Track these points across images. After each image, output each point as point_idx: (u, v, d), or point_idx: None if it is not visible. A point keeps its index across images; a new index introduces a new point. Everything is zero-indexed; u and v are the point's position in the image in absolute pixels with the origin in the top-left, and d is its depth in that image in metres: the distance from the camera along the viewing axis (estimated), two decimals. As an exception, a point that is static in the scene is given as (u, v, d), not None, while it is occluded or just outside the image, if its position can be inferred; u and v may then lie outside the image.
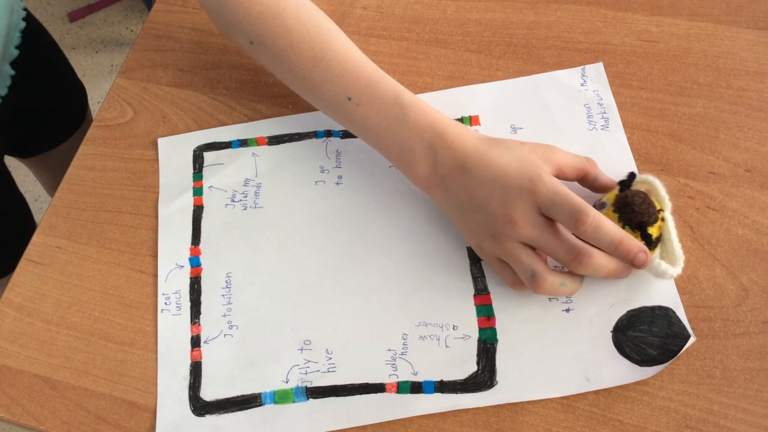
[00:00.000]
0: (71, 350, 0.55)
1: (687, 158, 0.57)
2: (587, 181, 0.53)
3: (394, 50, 0.66)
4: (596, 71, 0.62)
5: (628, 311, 0.51)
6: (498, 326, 0.52)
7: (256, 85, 0.66)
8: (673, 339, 0.50)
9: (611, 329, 0.51)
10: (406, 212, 0.58)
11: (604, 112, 0.60)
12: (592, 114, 0.60)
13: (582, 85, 0.62)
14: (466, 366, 0.51)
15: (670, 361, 0.49)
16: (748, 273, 0.52)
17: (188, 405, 0.51)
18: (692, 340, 0.50)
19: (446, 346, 0.52)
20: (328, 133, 0.62)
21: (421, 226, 0.57)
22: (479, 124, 0.61)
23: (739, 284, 0.52)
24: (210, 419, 0.51)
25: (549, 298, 0.53)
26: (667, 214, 0.51)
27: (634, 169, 0.57)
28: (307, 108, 0.64)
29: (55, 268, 0.58)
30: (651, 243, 0.50)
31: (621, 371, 0.49)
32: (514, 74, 0.63)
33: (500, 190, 0.49)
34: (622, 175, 0.52)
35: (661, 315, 0.51)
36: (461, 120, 0.61)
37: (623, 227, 0.50)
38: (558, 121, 0.60)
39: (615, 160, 0.58)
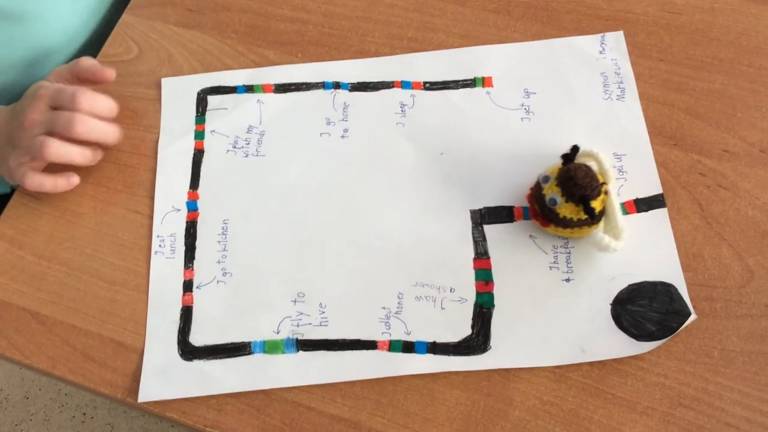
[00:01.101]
0: (61, 286, 0.54)
1: (702, 134, 0.56)
2: (87, 74, 0.57)
3: (410, 5, 0.64)
4: (616, 40, 0.60)
5: (629, 285, 0.50)
6: (496, 292, 0.51)
7: (266, 31, 0.64)
8: (673, 316, 0.49)
9: (610, 302, 0.50)
10: (410, 171, 0.56)
11: (621, 82, 0.58)
12: (609, 83, 0.58)
13: (600, 52, 0.60)
14: (461, 329, 0.50)
15: (668, 338, 0.48)
16: (755, 255, 0.51)
17: (176, 349, 0.51)
18: (693, 317, 0.49)
19: (441, 308, 0.51)
20: (337, 85, 0.61)
21: (425, 186, 0.56)
22: (492, 86, 0.59)
23: (745, 266, 0.51)
24: (197, 364, 0.50)
25: (549, 267, 0.52)
26: (611, 188, 0.50)
27: (646, 141, 0.55)
28: (316, 58, 0.62)
29: (49, 203, 0.57)
30: (594, 217, 0.49)
31: (617, 344, 0.49)
32: (532, 37, 0.61)
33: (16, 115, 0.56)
34: (627, 146, 0.50)
35: (662, 291, 0.50)
36: (473, 81, 0.60)
37: (566, 201, 0.49)
38: (573, 88, 0.59)
39: (628, 132, 0.56)
